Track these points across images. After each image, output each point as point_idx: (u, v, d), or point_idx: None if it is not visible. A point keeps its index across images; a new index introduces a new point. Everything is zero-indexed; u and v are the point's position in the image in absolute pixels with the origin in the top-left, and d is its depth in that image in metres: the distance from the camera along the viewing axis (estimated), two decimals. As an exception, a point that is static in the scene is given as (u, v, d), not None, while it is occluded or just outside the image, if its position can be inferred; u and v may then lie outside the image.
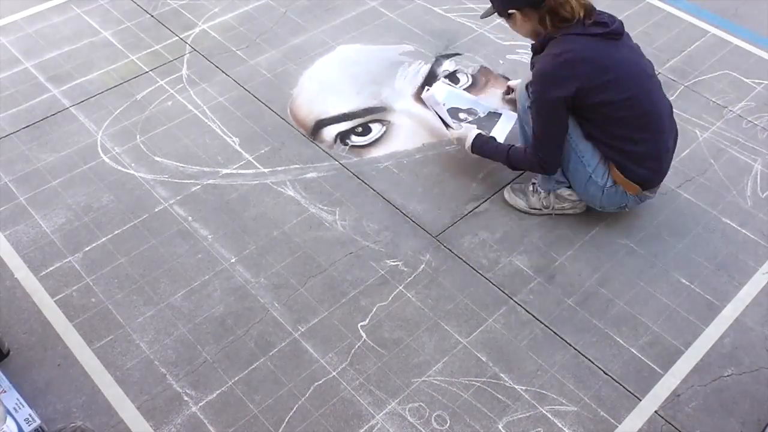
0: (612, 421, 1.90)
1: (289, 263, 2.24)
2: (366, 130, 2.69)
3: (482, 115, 2.58)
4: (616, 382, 1.98)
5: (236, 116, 2.73)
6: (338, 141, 2.65)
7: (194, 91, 2.83)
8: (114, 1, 3.28)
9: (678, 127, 2.30)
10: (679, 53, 3.04)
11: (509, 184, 2.46)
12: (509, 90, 2.79)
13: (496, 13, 2.21)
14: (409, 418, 1.89)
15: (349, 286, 2.19)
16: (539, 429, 1.88)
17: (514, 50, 3.03)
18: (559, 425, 1.88)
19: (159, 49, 3.02)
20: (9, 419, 1.75)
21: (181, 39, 3.08)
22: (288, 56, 3.01)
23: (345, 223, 2.36)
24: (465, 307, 2.14)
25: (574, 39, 2.05)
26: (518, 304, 2.15)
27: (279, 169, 2.54)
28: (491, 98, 2.77)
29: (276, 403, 1.91)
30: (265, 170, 2.53)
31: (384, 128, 2.70)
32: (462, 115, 2.57)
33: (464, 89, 2.85)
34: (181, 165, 2.54)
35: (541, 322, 2.11)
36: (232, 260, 2.25)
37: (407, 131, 2.70)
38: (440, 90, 2.68)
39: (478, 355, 2.02)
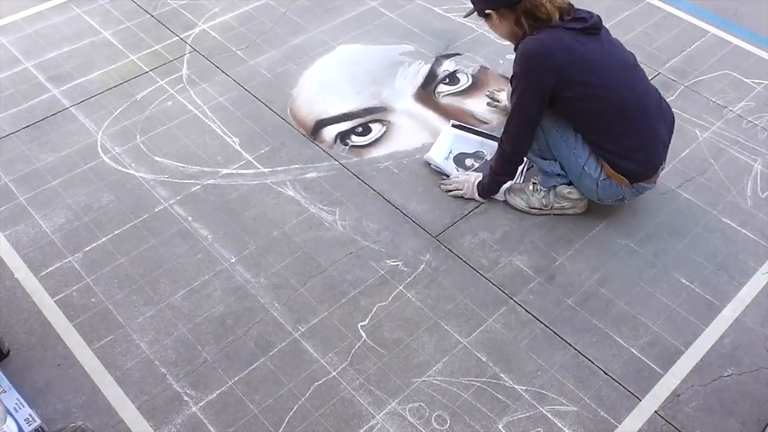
0: (612, 421, 1.90)
1: (289, 263, 2.24)
2: (366, 130, 2.69)
3: (488, 158, 2.50)
4: (616, 382, 1.98)
5: (236, 116, 2.73)
6: (338, 141, 2.65)
7: (194, 91, 2.83)
8: (114, 1, 3.28)
9: (678, 127, 2.30)
10: (679, 53, 3.04)
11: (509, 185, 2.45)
12: (493, 100, 2.78)
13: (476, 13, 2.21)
14: (409, 418, 1.89)
15: (349, 286, 2.19)
16: (539, 429, 1.88)
17: (513, 50, 3.02)
18: (559, 425, 1.88)
19: (159, 49, 3.02)
20: (9, 419, 1.75)
21: (181, 39, 3.08)
22: (288, 56, 3.01)
23: (345, 223, 2.36)
24: (465, 307, 2.14)
25: (555, 31, 2.05)
26: (518, 304, 2.15)
27: (279, 169, 2.54)
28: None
29: (276, 403, 1.91)
30: (265, 170, 2.53)
31: (384, 128, 2.70)
32: (468, 162, 2.52)
33: (464, 89, 2.85)
34: (181, 165, 2.54)
35: (541, 322, 2.11)
36: (232, 260, 2.25)
37: (407, 131, 2.70)
38: (448, 134, 2.60)
39: (478, 355, 2.02)
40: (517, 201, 2.39)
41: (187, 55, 3.00)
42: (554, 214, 2.38)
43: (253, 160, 2.56)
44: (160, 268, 2.22)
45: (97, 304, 2.13)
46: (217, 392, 1.94)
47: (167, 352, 2.02)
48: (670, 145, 2.27)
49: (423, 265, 2.24)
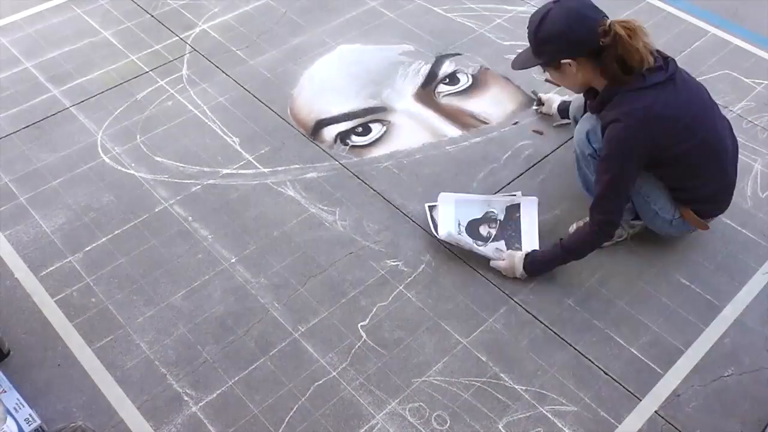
0: (612, 421, 1.90)
1: (289, 263, 2.24)
2: (366, 130, 2.69)
3: (501, 218, 2.31)
4: (616, 382, 1.98)
5: (236, 116, 2.73)
6: (338, 141, 2.65)
7: (194, 91, 2.83)
8: (114, 1, 3.28)
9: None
10: (679, 53, 3.04)
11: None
12: (540, 102, 2.71)
13: (540, 64, 2.03)
14: (409, 418, 1.89)
15: (350, 286, 2.19)
16: (539, 429, 1.88)
17: (514, 50, 3.02)
18: (559, 425, 1.88)
19: (159, 49, 3.02)
20: (9, 419, 1.75)
21: (181, 39, 3.08)
22: (288, 56, 3.01)
23: (345, 223, 2.36)
24: (465, 307, 2.14)
25: (639, 96, 1.89)
26: (518, 304, 2.15)
27: (279, 169, 2.54)
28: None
29: (276, 403, 1.91)
30: (266, 170, 2.53)
31: (384, 128, 2.70)
32: (483, 230, 2.29)
33: (464, 89, 2.85)
34: (181, 165, 2.54)
35: (541, 322, 2.11)
36: (232, 260, 2.25)
37: (407, 131, 2.70)
38: (447, 204, 2.34)
39: (478, 355, 2.02)
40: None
41: (187, 55, 3.00)
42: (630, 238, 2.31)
43: (253, 160, 2.56)
44: (160, 268, 2.22)
45: (97, 304, 2.13)
46: (217, 392, 1.94)
47: (167, 352, 2.02)
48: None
49: (423, 265, 2.24)
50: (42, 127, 2.68)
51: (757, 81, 2.93)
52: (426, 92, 2.86)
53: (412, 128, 2.71)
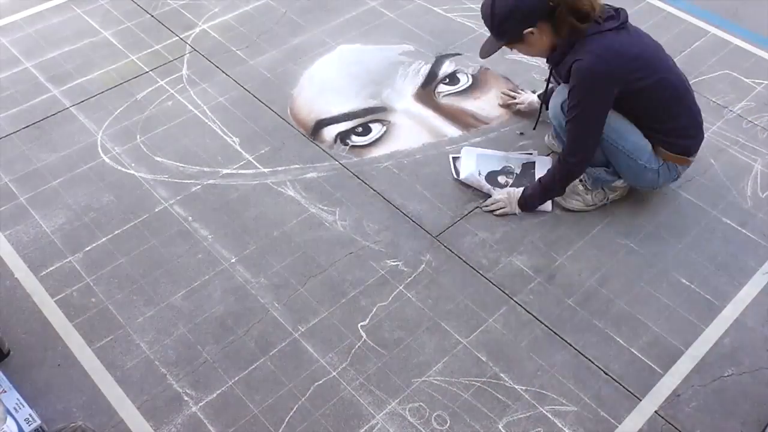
0: (612, 421, 1.90)
1: (289, 263, 2.24)
2: (366, 130, 2.69)
3: (518, 172, 2.51)
4: (616, 382, 1.98)
5: (236, 116, 2.73)
6: (338, 141, 2.65)
7: (194, 91, 2.83)
8: (114, 1, 3.28)
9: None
10: (679, 53, 3.04)
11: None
12: (511, 101, 2.76)
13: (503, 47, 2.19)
14: (409, 418, 1.89)
15: (349, 286, 2.19)
16: (539, 429, 1.88)
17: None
18: (559, 425, 1.88)
19: (159, 49, 3.02)
20: (9, 419, 1.75)
21: (181, 39, 3.08)
22: (288, 56, 3.01)
23: (345, 223, 2.36)
24: (465, 307, 2.14)
25: (598, 38, 2.06)
26: (518, 304, 2.15)
27: (279, 169, 2.54)
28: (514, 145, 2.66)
29: (276, 403, 1.91)
30: (266, 170, 2.53)
31: (384, 128, 2.70)
32: (501, 179, 2.48)
33: (464, 89, 2.85)
34: (181, 165, 2.54)
35: (541, 322, 2.11)
36: (232, 260, 2.25)
37: (407, 131, 2.70)
38: (470, 156, 2.55)
39: (478, 355, 2.02)
40: (574, 203, 2.39)
41: (187, 55, 3.00)
42: (608, 203, 2.42)
43: (253, 160, 2.56)
44: (160, 268, 2.22)
45: (97, 304, 2.13)
46: (217, 392, 1.94)
47: (167, 352, 2.02)
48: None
49: (423, 265, 2.24)
50: (42, 127, 2.68)
51: (757, 81, 2.93)
52: (426, 92, 2.86)
53: (412, 128, 2.71)
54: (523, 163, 2.54)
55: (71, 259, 2.24)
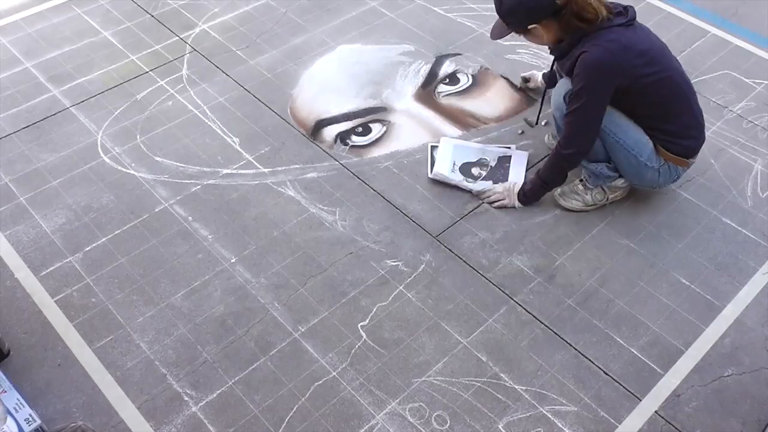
0: (612, 421, 1.90)
1: (289, 263, 2.24)
2: (366, 130, 2.69)
3: (493, 165, 2.52)
4: (616, 382, 1.98)
5: (236, 116, 2.73)
6: (338, 141, 2.65)
7: (194, 91, 2.83)
8: (114, 1, 3.28)
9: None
10: (679, 53, 3.04)
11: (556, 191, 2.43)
12: (526, 79, 2.81)
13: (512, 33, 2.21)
14: (409, 418, 1.89)
15: (350, 286, 2.19)
16: (539, 429, 1.88)
17: (514, 50, 3.03)
18: (560, 425, 1.88)
19: (159, 49, 3.02)
20: (9, 419, 1.75)
21: (181, 39, 3.08)
22: (288, 56, 3.01)
23: (345, 223, 2.36)
24: (465, 307, 2.14)
25: (604, 33, 2.07)
26: (518, 304, 2.15)
27: (279, 169, 2.54)
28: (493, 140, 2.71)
29: (276, 403, 1.91)
30: (266, 170, 2.53)
31: (384, 128, 2.70)
32: (475, 170, 2.49)
33: (464, 89, 2.85)
34: (181, 165, 2.54)
35: (541, 322, 2.11)
36: (233, 260, 2.25)
37: (407, 131, 2.70)
38: (447, 146, 2.56)
39: (479, 355, 2.02)
40: (573, 203, 2.40)
41: (187, 55, 3.00)
42: (608, 204, 2.42)
43: (253, 160, 2.56)
44: (160, 268, 2.22)
45: (97, 304, 2.13)
46: (217, 392, 1.94)
47: (167, 352, 2.02)
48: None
49: (423, 265, 2.24)
50: (42, 127, 2.68)
51: (757, 81, 2.93)
52: (426, 92, 2.86)
53: (412, 128, 2.71)
54: (500, 157, 2.55)
55: (71, 259, 2.24)
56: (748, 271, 2.26)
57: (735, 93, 2.87)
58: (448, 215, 2.39)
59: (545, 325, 2.10)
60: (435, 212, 2.40)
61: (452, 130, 2.70)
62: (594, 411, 1.92)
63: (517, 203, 2.39)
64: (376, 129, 2.70)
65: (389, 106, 2.79)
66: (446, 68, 2.96)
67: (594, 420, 1.90)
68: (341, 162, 2.56)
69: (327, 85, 2.88)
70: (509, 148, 2.59)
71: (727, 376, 2.00)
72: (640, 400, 1.94)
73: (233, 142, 2.63)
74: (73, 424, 1.70)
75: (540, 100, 2.71)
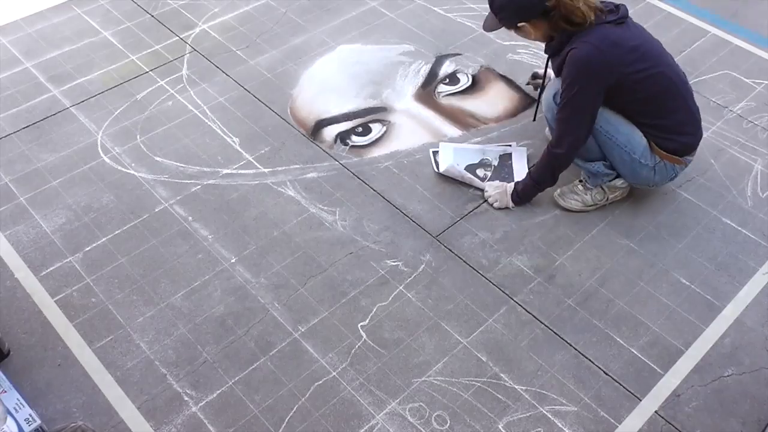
0: (612, 421, 1.90)
1: (289, 263, 2.24)
2: (366, 130, 2.69)
3: (496, 164, 2.53)
4: (616, 382, 1.98)
5: (236, 116, 2.73)
6: (338, 141, 2.65)
7: (194, 91, 2.83)
8: (114, 1, 3.28)
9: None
10: (679, 53, 3.04)
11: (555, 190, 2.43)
12: (535, 76, 2.80)
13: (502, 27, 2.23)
14: (409, 418, 1.89)
15: (350, 286, 2.19)
16: (539, 429, 1.88)
17: (514, 50, 3.03)
18: (560, 425, 1.88)
19: (159, 49, 3.02)
20: (9, 419, 1.75)
21: (181, 39, 3.08)
22: (288, 56, 3.01)
23: (345, 223, 2.36)
24: (465, 307, 2.14)
25: (596, 30, 2.09)
26: (518, 304, 2.15)
27: (279, 169, 2.54)
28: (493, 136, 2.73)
29: (276, 403, 1.91)
30: (266, 170, 2.53)
31: (384, 128, 2.70)
32: (479, 172, 2.50)
33: (464, 89, 2.85)
34: (181, 165, 2.54)
35: (541, 322, 2.11)
36: (233, 260, 2.25)
37: (407, 131, 2.70)
38: (447, 151, 2.56)
39: (479, 355, 2.02)
40: (572, 203, 2.40)
41: (187, 55, 3.00)
42: (608, 204, 2.41)
43: (253, 160, 2.56)
44: (160, 268, 2.22)
45: (97, 304, 2.13)
46: (217, 392, 1.94)
47: (167, 352, 2.02)
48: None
49: (423, 265, 2.24)
50: (42, 127, 2.68)
51: (757, 81, 2.93)
52: (426, 92, 2.86)
53: (412, 128, 2.71)
54: (501, 155, 2.57)
55: (71, 259, 2.24)
56: (748, 271, 2.26)
57: (735, 93, 2.87)
58: (448, 215, 2.39)
59: (545, 325, 2.10)
60: (435, 212, 2.40)
61: (452, 130, 2.70)
62: (594, 411, 1.92)
63: (510, 203, 2.40)
64: (376, 129, 2.70)
65: (389, 106, 2.79)
66: (446, 68, 2.96)
67: (594, 420, 1.90)
68: (341, 162, 2.56)
69: (327, 85, 2.88)
70: (509, 145, 2.60)
71: (727, 376, 2.00)
72: (640, 400, 1.94)
73: (233, 142, 2.63)
74: (73, 424, 1.70)
75: (539, 96, 2.71)
